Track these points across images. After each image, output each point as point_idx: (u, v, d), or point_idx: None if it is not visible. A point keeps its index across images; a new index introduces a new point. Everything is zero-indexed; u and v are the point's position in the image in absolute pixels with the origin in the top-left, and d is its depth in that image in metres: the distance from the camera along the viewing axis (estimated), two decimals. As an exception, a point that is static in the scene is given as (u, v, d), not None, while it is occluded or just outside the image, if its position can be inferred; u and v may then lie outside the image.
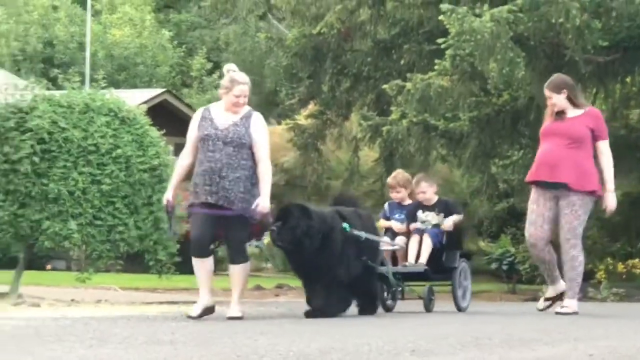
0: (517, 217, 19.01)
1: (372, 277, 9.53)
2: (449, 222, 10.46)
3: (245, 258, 8.66)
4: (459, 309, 10.46)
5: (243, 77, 8.68)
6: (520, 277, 19.62)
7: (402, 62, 17.01)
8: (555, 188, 9.62)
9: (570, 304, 9.59)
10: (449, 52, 14.17)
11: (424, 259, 10.32)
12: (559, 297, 9.88)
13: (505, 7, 13.64)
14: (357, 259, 9.14)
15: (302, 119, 19.68)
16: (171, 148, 12.98)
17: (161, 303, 11.60)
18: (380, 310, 9.71)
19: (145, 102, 21.73)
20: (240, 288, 8.63)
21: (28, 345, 5.58)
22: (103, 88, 12.15)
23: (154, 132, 12.08)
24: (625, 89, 16.43)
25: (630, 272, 17.39)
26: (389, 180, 11.06)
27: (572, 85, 9.98)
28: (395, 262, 10.43)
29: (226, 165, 8.43)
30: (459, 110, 15.59)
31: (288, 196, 19.62)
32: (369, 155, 19.10)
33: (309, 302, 8.99)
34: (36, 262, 21.24)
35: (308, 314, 8.71)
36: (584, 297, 13.91)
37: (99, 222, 11.45)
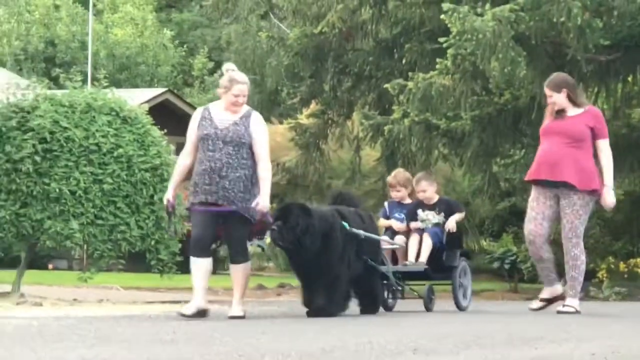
0: (518, 216, 18.97)
1: (373, 277, 9.53)
2: (452, 223, 10.43)
3: (246, 258, 8.66)
4: (460, 308, 10.45)
5: (242, 77, 8.68)
6: (522, 276, 19.64)
7: (403, 61, 17.00)
8: (556, 187, 9.62)
9: (572, 303, 9.58)
10: (450, 51, 14.16)
11: (424, 258, 10.31)
12: (554, 300, 9.84)
13: (507, 6, 13.63)
14: (358, 258, 9.15)
15: (304, 118, 19.67)
16: (173, 147, 12.98)
17: (163, 302, 11.61)
18: (380, 309, 9.71)
19: (146, 102, 21.75)
20: (242, 287, 8.63)
21: (31, 344, 5.58)
22: (105, 87, 12.15)
23: (156, 132, 12.09)
24: (627, 88, 16.41)
25: (632, 271, 17.38)
26: (389, 179, 11.05)
27: (572, 84, 9.98)
28: (395, 261, 10.43)
29: (226, 164, 8.43)
30: (460, 110, 15.57)
31: (289, 196, 19.62)
32: (371, 154, 19.10)
33: (306, 302, 8.95)
34: (38, 262, 21.29)
35: (310, 313, 8.71)
36: (585, 296, 13.91)
37: (100, 222, 11.46)
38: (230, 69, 8.74)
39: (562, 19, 13.61)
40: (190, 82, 44.50)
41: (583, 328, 7.59)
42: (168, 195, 8.75)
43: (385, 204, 10.95)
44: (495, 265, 20.09)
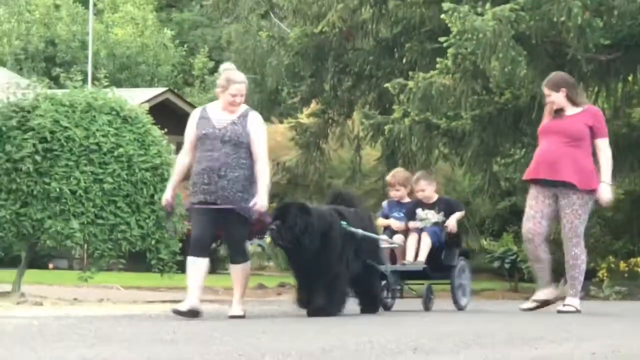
0: (519, 215, 18.88)
1: (373, 276, 9.53)
2: (452, 222, 10.43)
3: (245, 257, 8.67)
4: (459, 307, 10.45)
5: (239, 76, 8.67)
6: (522, 276, 19.60)
7: (404, 60, 16.99)
8: (554, 186, 9.62)
9: (572, 302, 9.58)
10: (450, 50, 14.15)
11: (422, 257, 10.31)
12: (546, 303, 9.83)
13: (507, 6, 13.63)
14: (357, 257, 9.14)
15: (304, 117, 19.65)
16: (173, 147, 12.98)
17: (163, 302, 11.60)
18: (380, 309, 9.71)
19: (147, 101, 21.75)
20: (242, 287, 8.63)
21: (31, 344, 5.58)
22: (105, 87, 12.16)
23: (156, 131, 12.09)
24: (627, 88, 16.40)
25: (633, 270, 17.36)
26: (388, 178, 11.04)
27: (571, 83, 9.98)
28: (394, 260, 10.42)
29: (224, 164, 8.43)
30: (460, 109, 15.56)
31: (290, 195, 19.60)
32: (371, 154, 19.08)
33: (300, 301, 8.91)
34: (38, 261, 21.27)
35: (310, 313, 8.71)
36: (586, 295, 13.89)
37: (100, 221, 11.46)
38: (227, 69, 8.74)
39: (563, 19, 13.60)
40: (190, 81, 44.51)
41: (583, 327, 7.59)
42: (167, 196, 8.75)
43: (384, 203, 10.94)
44: (496, 264, 20.06)
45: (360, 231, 9.14)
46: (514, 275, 19.57)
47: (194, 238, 8.49)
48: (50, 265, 25.40)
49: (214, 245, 8.79)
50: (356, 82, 18.33)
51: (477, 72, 14.58)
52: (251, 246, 9.07)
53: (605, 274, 17.18)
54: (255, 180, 8.47)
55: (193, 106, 27.19)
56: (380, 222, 10.64)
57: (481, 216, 22.87)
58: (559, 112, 9.74)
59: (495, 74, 14.05)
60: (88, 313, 9.03)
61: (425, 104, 14.95)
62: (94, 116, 11.58)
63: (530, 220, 9.72)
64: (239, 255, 8.60)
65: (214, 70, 41.00)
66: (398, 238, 10.46)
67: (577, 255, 9.58)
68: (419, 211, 10.50)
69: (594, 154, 9.67)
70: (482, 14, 13.61)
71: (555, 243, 9.97)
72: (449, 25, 13.76)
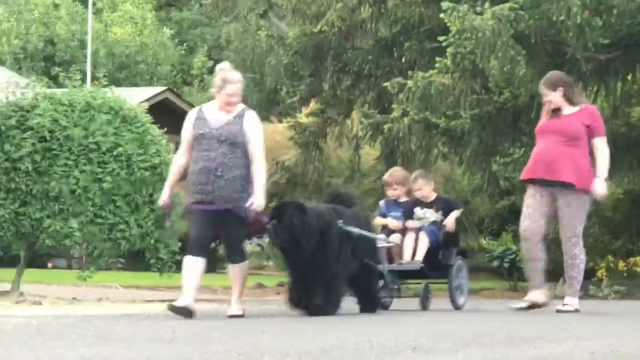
0: (518, 214, 18.88)
1: (371, 276, 9.52)
2: (450, 220, 10.43)
3: (243, 257, 8.66)
4: (456, 306, 10.44)
5: (235, 76, 8.65)
6: (521, 275, 19.60)
7: (403, 60, 16.99)
8: (552, 186, 9.61)
9: (571, 301, 9.59)
10: (449, 50, 14.16)
11: (420, 256, 10.30)
12: (537, 306, 9.82)
13: (506, 5, 13.63)
14: (354, 257, 9.13)
15: (303, 117, 19.65)
16: (172, 146, 12.98)
17: (162, 301, 11.59)
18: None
19: (146, 100, 21.65)
20: (240, 287, 8.64)
21: (30, 343, 5.58)
22: (104, 86, 12.16)
23: (155, 131, 12.09)
24: (626, 87, 16.41)
25: (632, 269, 17.38)
26: (385, 177, 11.03)
27: (568, 82, 9.97)
28: (391, 260, 10.41)
29: (221, 164, 8.42)
30: (460, 108, 15.56)
31: (289, 194, 19.57)
32: (370, 153, 19.08)
33: (292, 300, 8.86)
34: (37, 261, 21.28)
35: (310, 312, 8.71)
36: (585, 295, 13.91)
37: (100, 221, 11.46)
38: (222, 69, 8.73)
39: (562, 18, 13.61)
40: (189, 80, 44.51)
41: (582, 327, 7.59)
42: (164, 196, 8.75)
43: (382, 202, 10.93)
44: (495, 263, 20.06)
45: (357, 230, 9.14)
46: (513, 275, 19.57)
47: (192, 238, 8.49)
48: (49, 265, 25.40)
49: (213, 244, 8.77)
50: (355, 81, 18.32)
51: (476, 72, 14.58)
52: (250, 246, 9.07)
53: (604, 274, 17.19)
54: (252, 180, 8.46)
55: (192, 105, 27.18)
56: (378, 221, 10.63)
57: (480, 215, 22.89)
58: (556, 111, 9.74)
59: (494, 73, 14.06)
60: (87, 312, 9.03)
61: (424, 103, 14.95)
62: (93, 115, 11.58)
63: (527, 218, 9.72)
64: (236, 255, 8.60)
65: (213, 70, 41.00)
66: (395, 237, 10.45)
67: (575, 255, 9.58)
68: (418, 210, 10.49)
69: (591, 154, 9.66)
70: (481, 13, 13.62)
71: (554, 243, 9.96)
72: (448, 24, 13.76)
